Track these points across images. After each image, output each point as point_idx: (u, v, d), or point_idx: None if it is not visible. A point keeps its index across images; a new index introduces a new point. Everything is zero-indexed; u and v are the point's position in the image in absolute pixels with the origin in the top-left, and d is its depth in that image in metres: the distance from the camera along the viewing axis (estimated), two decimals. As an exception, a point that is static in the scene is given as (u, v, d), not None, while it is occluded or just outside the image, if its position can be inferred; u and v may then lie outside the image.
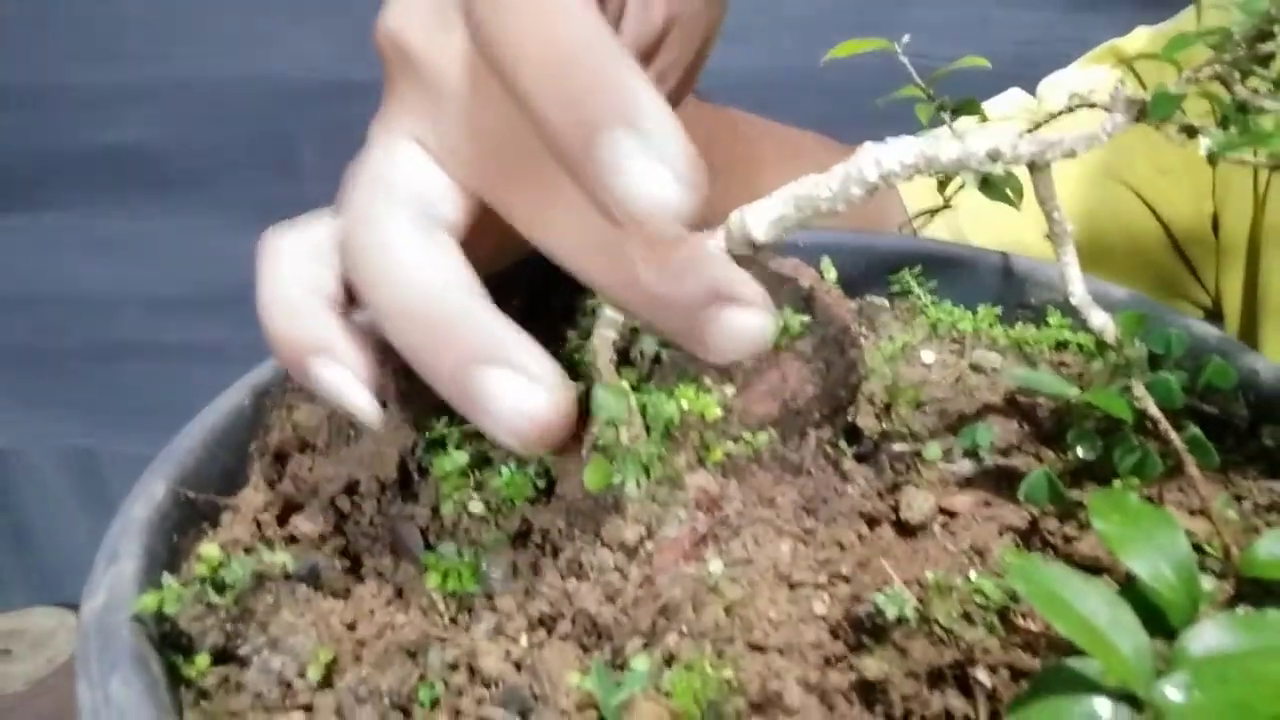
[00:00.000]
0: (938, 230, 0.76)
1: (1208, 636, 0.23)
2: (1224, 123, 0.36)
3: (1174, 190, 0.79)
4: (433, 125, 0.34)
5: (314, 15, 1.36)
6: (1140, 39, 0.82)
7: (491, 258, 0.35)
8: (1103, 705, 0.21)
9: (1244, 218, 0.76)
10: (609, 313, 0.36)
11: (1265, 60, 0.36)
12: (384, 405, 0.41)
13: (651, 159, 0.25)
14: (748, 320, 0.29)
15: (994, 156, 0.33)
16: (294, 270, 0.34)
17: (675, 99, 0.46)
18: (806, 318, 0.36)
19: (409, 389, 0.41)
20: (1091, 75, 0.83)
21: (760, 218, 0.35)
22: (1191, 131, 0.35)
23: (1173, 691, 0.21)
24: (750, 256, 0.37)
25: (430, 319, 0.29)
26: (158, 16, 1.39)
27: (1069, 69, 0.86)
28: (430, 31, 0.33)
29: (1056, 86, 0.84)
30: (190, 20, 1.39)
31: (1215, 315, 0.82)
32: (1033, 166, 0.35)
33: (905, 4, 1.31)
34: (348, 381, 0.33)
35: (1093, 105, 0.39)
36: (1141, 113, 0.36)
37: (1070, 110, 0.41)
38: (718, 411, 0.35)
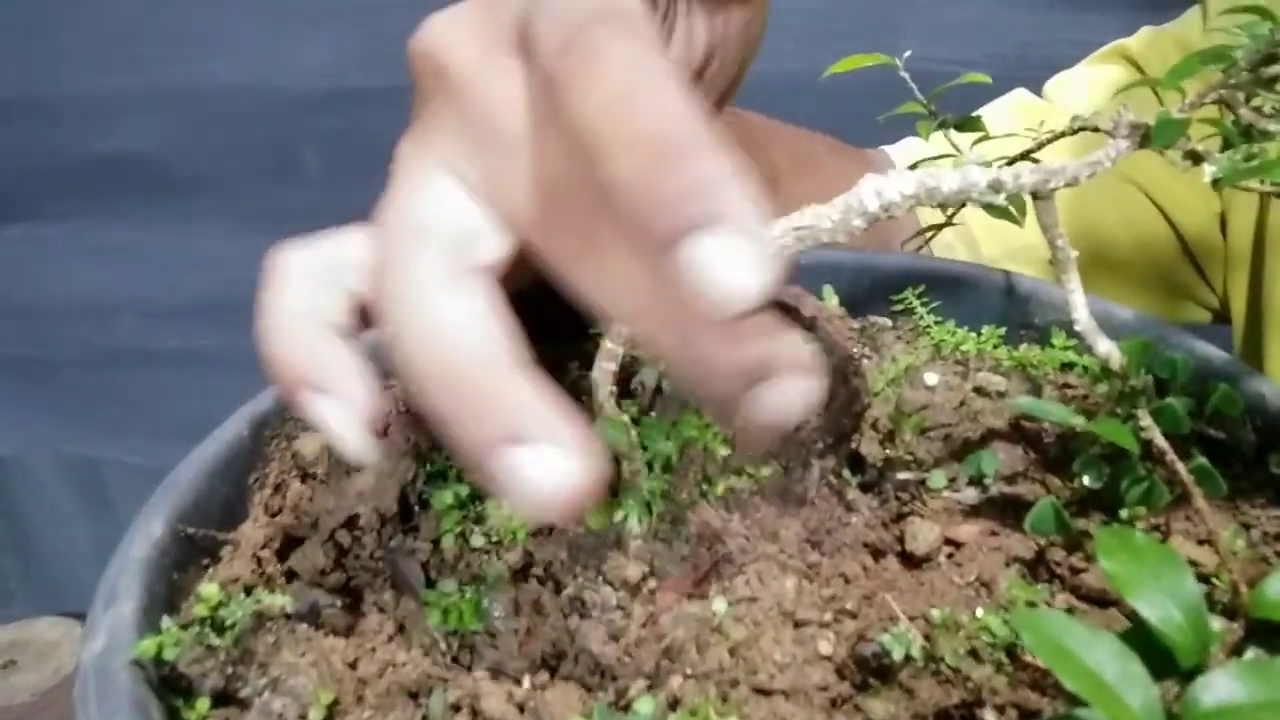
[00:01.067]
0: (950, 240, 0.76)
1: (1218, 687, 0.23)
2: (1226, 145, 0.36)
3: (1182, 190, 0.78)
4: (475, 158, 0.32)
5: (316, 23, 1.36)
6: (1145, 38, 0.82)
7: (520, 276, 0.34)
8: (1114, 766, 0.21)
9: (1251, 219, 0.76)
10: (609, 344, 0.36)
11: (1270, 83, 0.35)
12: (384, 432, 0.41)
13: (734, 260, 0.24)
14: (784, 398, 0.28)
15: (996, 188, 0.33)
16: (301, 291, 0.33)
17: (712, 115, 0.45)
18: (811, 346, 0.36)
19: (412, 419, 0.40)
20: (1098, 74, 0.82)
21: (761, 249, 0.35)
22: (1196, 158, 0.34)
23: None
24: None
25: (459, 388, 0.28)
26: (157, 24, 1.38)
27: (1076, 69, 0.85)
28: (479, 57, 0.32)
29: (1063, 86, 0.84)
30: (191, 28, 1.38)
31: (1222, 317, 0.82)
32: (1036, 195, 0.34)
33: (907, 7, 1.31)
34: (339, 419, 0.31)
35: (1096, 129, 0.39)
36: (1145, 138, 0.35)
37: (1073, 132, 0.41)
38: (724, 449, 0.35)
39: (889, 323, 0.50)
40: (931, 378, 0.46)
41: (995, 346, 0.47)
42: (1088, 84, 0.82)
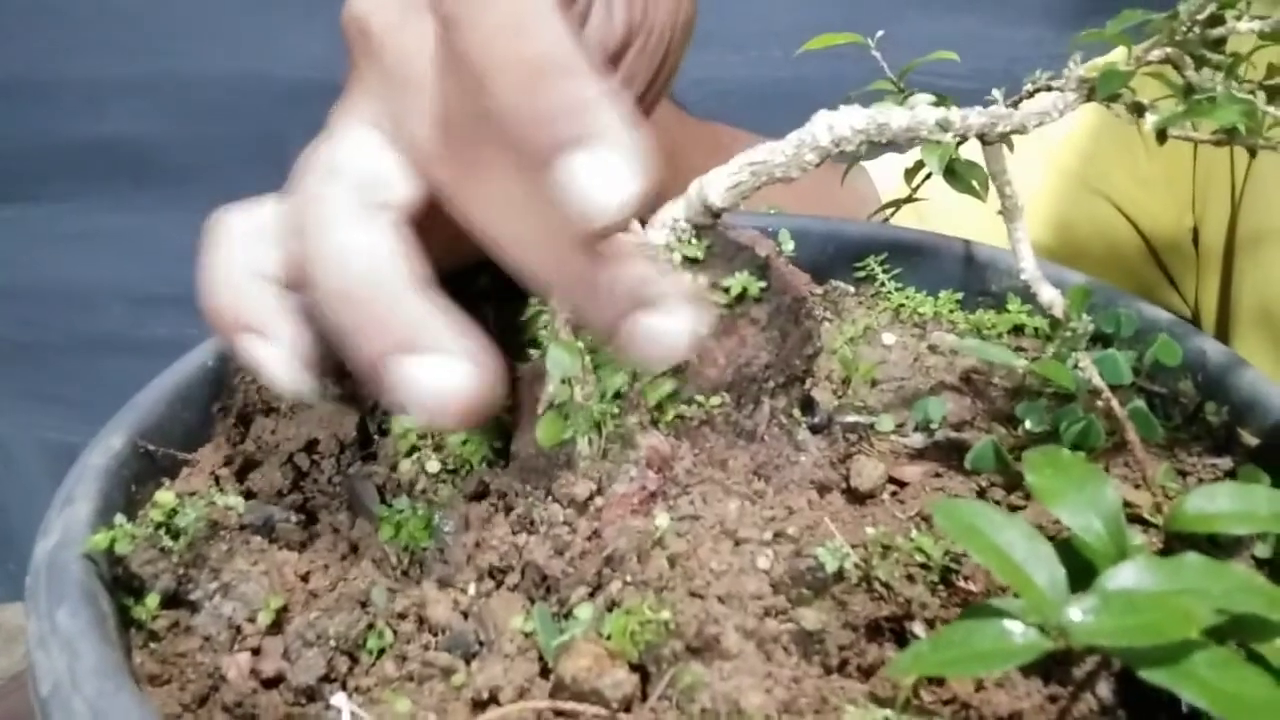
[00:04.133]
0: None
1: (1125, 576, 0.24)
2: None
3: (1154, 203, 0.79)
4: (390, 110, 0.34)
5: (311, 15, 1.37)
6: (1121, 60, 0.83)
7: (442, 254, 0.36)
8: (1013, 625, 0.22)
9: (1222, 229, 0.77)
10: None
11: (1217, 44, 0.37)
12: (334, 380, 0.42)
13: (603, 174, 0.27)
14: (667, 326, 0.30)
15: (944, 126, 0.34)
16: (237, 248, 0.35)
17: (647, 105, 0.47)
18: (764, 284, 0.37)
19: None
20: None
21: (717, 184, 0.36)
22: (1140, 109, 0.36)
23: (1075, 613, 0.22)
24: (709, 225, 0.37)
25: (359, 302, 0.30)
26: (154, 12, 1.39)
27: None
28: (396, 18, 0.34)
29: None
30: (188, 17, 1.40)
31: (1194, 325, 0.83)
32: (983, 139, 0.35)
33: (895, 19, 1.32)
34: (273, 358, 0.34)
35: (1050, 88, 0.40)
36: (1092, 91, 0.36)
37: (1030, 95, 0.42)
38: (667, 388, 0.36)
39: (850, 288, 0.51)
40: (889, 338, 0.47)
41: (952, 311, 0.48)
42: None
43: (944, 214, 0.71)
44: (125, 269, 1.57)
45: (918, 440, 0.40)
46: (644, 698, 0.29)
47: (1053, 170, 0.80)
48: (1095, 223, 0.80)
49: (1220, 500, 0.28)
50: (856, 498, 0.37)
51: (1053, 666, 0.29)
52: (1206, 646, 0.22)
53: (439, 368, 0.29)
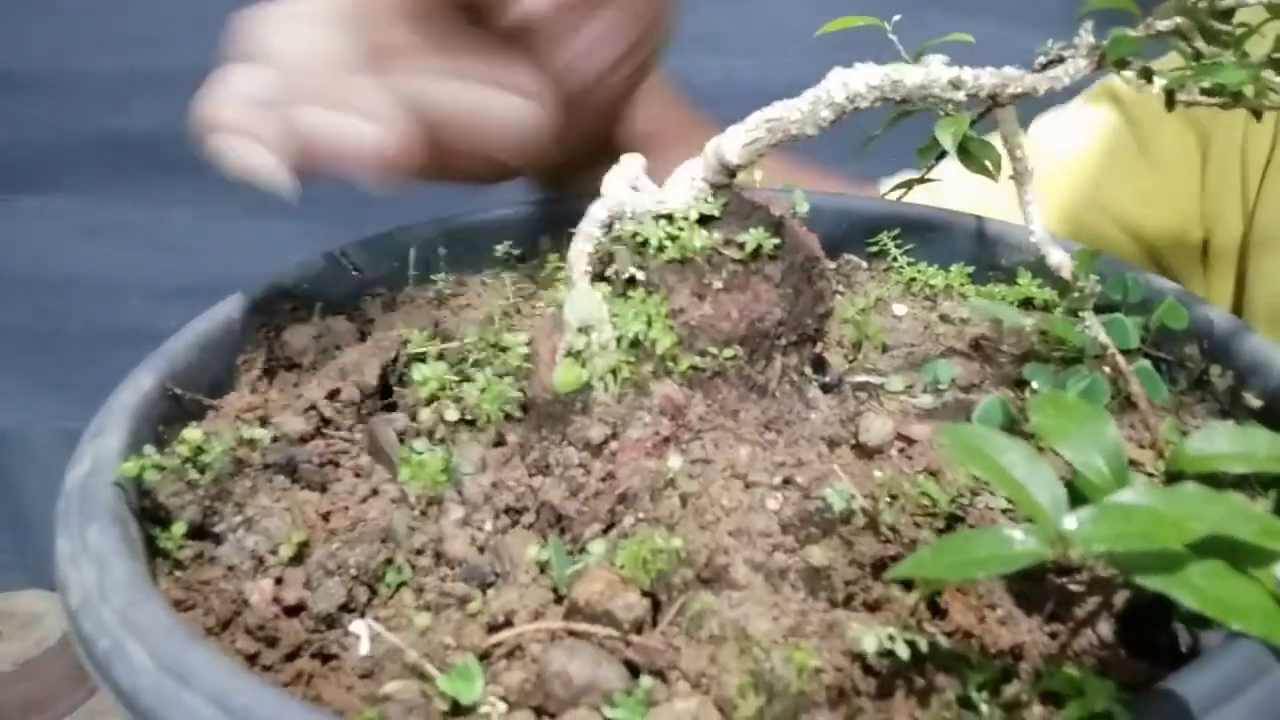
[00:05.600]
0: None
1: (1125, 496, 0.25)
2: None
3: (1158, 219, 0.79)
4: None
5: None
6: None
7: (429, 167, 0.43)
8: (1013, 532, 0.22)
9: (1234, 238, 0.77)
10: (586, 227, 0.37)
11: (1225, 15, 0.37)
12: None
13: None
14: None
15: (956, 85, 0.35)
16: (230, 82, 0.43)
17: (633, 68, 0.52)
18: (777, 241, 0.38)
19: None
20: (1089, 116, 0.82)
21: (734, 142, 0.37)
22: (1148, 74, 0.36)
23: (1071, 521, 0.22)
24: (726, 184, 0.38)
25: (310, 77, 0.40)
26: (176, 6, 1.41)
27: (1066, 108, 0.85)
28: None
29: (1050, 127, 0.83)
30: (209, 11, 1.41)
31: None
32: (995, 100, 0.36)
33: (913, 23, 1.33)
34: (251, 151, 0.41)
35: (1061, 60, 0.41)
36: (1102, 58, 0.37)
37: (1042, 68, 0.43)
38: (669, 341, 0.36)
39: (863, 263, 0.52)
40: (900, 308, 0.48)
41: (963, 284, 0.49)
42: (1079, 125, 0.82)
43: (957, 195, 0.72)
44: (144, 261, 1.58)
45: (926, 401, 0.40)
46: (654, 624, 0.29)
47: (1055, 192, 0.79)
48: (1100, 240, 0.80)
49: (1220, 442, 0.29)
50: (865, 452, 0.38)
51: (1054, 603, 0.30)
52: (1201, 560, 0.22)
53: (358, 124, 0.38)
